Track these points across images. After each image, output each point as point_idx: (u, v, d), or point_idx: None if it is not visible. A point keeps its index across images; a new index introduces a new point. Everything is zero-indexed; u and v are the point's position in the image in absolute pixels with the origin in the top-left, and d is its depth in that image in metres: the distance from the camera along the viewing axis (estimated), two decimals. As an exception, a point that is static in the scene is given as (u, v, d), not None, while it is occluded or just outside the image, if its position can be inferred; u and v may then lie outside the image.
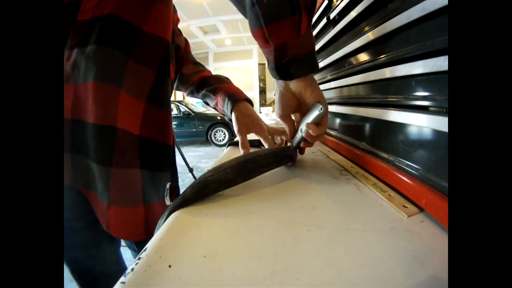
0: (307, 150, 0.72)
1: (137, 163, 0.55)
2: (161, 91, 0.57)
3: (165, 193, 0.61)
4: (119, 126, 0.52)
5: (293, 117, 0.54)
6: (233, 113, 0.67)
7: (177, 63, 0.80)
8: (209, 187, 0.39)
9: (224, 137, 5.79)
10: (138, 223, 0.56)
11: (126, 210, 0.54)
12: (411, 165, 0.38)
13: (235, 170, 0.41)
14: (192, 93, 0.83)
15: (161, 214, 0.45)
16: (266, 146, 0.63)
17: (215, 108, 0.79)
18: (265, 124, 0.66)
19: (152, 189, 0.58)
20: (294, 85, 0.46)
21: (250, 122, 0.65)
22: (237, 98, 0.69)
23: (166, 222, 0.34)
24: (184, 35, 0.86)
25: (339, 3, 0.60)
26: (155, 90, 0.55)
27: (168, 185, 0.62)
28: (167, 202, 0.61)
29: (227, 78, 0.81)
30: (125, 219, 0.54)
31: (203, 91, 0.78)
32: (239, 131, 0.63)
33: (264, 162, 0.44)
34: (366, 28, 0.49)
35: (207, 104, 0.82)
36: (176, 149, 0.85)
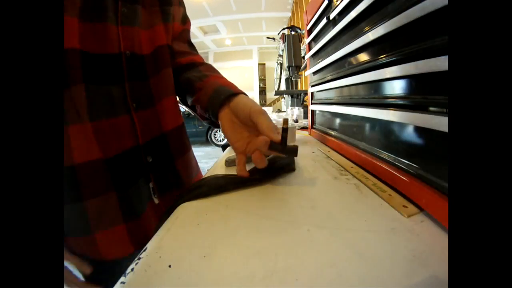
0: (307, 149, 0.72)
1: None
2: None
3: (151, 193, 0.54)
4: None
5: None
6: (221, 113, 0.47)
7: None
8: (200, 190, 0.40)
9: (224, 137, 5.78)
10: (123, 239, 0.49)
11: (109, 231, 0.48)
12: (411, 165, 0.38)
13: (227, 179, 0.42)
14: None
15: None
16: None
17: (192, 108, 0.60)
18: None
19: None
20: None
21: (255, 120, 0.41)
22: (232, 91, 0.48)
23: (166, 222, 0.34)
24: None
25: (339, 3, 0.60)
26: None
27: (151, 185, 0.53)
28: (155, 201, 0.54)
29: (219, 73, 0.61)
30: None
31: (187, 77, 0.58)
32: (234, 143, 0.45)
33: (258, 175, 0.44)
34: (366, 28, 0.49)
35: (184, 100, 0.63)
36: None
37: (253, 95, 8.57)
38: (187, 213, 0.36)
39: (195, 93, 0.55)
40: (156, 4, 0.55)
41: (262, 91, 9.12)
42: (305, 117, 1.47)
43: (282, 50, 2.69)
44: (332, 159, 0.61)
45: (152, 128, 0.53)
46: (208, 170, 0.59)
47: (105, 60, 0.44)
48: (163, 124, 0.56)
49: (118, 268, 0.35)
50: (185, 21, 0.65)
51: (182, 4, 0.64)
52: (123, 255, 0.49)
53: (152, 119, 0.53)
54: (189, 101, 0.59)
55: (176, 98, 0.61)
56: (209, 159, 4.40)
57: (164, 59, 0.56)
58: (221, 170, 0.54)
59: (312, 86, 0.92)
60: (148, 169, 0.52)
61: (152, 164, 0.52)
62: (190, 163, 0.66)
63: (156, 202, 0.54)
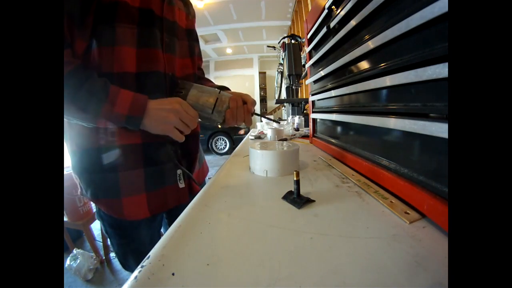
0: (309, 158, 0.73)
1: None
2: None
3: (177, 178, 0.68)
4: None
5: None
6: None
7: None
8: None
9: (225, 145, 5.78)
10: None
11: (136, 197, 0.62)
12: (412, 172, 0.38)
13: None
14: None
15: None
16: None
17: None
18: None
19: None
20: None
21: None
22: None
23: (169, 230, 0.34)
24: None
25: (339, 12, 0.61)
26: None
27: (179, 172, 0.68)
28: (180, 185, 0.68)
29: None
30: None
31: None
32: None
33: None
34: (366, 37, 0.49)
35: None
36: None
37: (254, 103, 8.59)
38: (190, 221, 0.36)
39: None
40: (185, 39, 0.72)
41: (263, 100, 9.14)
42: (306, 125, 1.47)
43: (283, 59, 2.71)
44: (333, 167, 0.61)
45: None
46: (208, 178, 0.60)
47: (154, 76, 0.61)
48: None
49: (135, 226, 0.64)
50: (200, 55, 0.85)
51: (198, 42, 0.83)
52: (140, 218, 0.63)
53: None
54: None
55: None
56: (210, 167, 4.39)
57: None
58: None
59: (313, 95, 0.92)
60: (177, 160, 0.67)
61: (180, 157, 0.69)
62: (201, 156, 0.84)
63: (180, 186, 0.68)
